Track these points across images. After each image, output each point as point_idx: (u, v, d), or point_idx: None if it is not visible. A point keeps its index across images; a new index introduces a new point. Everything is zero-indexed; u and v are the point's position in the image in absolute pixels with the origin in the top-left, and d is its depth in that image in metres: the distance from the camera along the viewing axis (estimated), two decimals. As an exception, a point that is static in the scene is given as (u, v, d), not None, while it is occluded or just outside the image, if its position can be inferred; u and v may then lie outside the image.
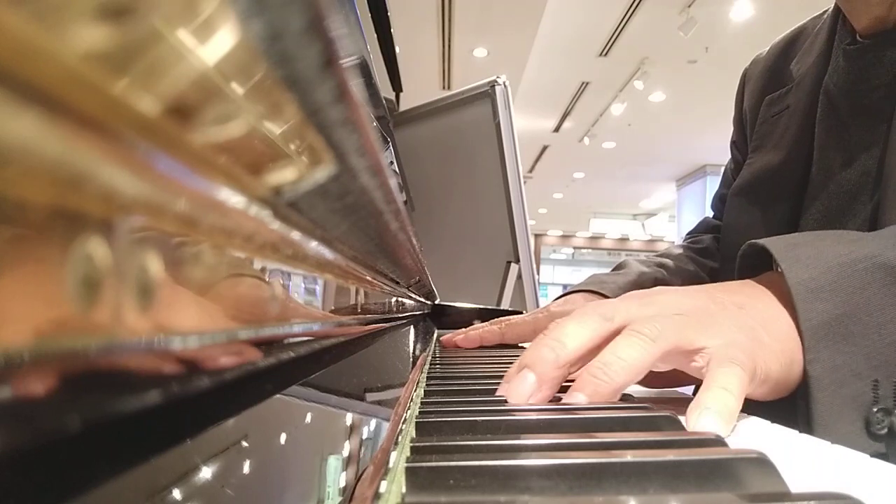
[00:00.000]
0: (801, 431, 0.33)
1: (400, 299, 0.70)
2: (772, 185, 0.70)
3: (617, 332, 0.37)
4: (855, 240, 0.42)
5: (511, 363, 0.41)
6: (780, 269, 0.40)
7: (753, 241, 0.43)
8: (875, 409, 0.36)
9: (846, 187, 0.60)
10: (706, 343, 0.35)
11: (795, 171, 0.67)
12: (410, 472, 0.21)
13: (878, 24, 0.58)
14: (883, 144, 0.56)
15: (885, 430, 0.36)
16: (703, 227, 0.97)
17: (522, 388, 0.36)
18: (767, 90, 0.77)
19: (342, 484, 0.21)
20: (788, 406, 0.40)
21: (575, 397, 0.34)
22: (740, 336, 0.36)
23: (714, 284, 0.41)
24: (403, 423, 0.29)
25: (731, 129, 0.91)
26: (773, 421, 0.33)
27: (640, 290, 0.41)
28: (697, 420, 0.31)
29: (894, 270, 0.38)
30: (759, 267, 0.45)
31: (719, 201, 0.91)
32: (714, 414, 0.31)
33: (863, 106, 0.60)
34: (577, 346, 0.36)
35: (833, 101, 0.63)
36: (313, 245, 0.25)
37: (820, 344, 0.37)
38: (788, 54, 0.75)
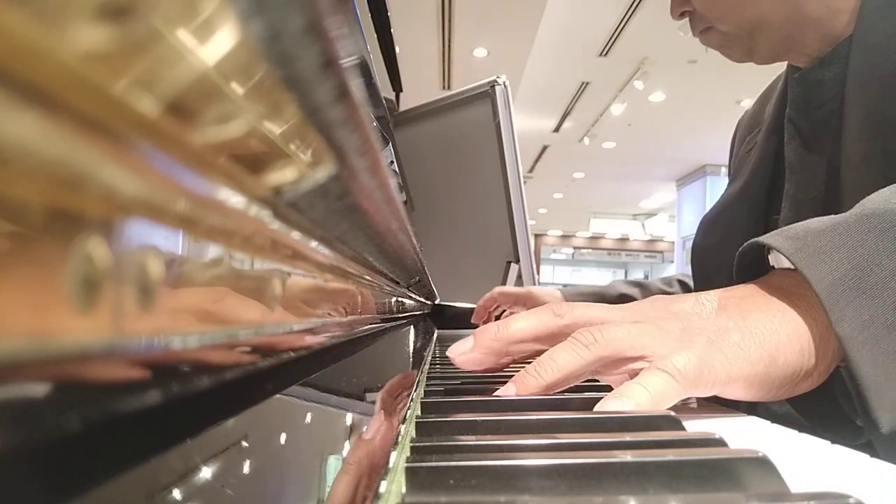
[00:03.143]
0: (857, 418, 0.32)
1: (400, 299, 0.70)
2: (739, 206, 0.79)
3: (565, 329, 0.39)
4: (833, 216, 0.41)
5: (510, 365, 0.42)
6: (770, 257, 0.40)
7: (746, 244, 0.43)
8: None
9: (813, 195, 0.68)
10: (651, 352, 0.36)
11: (759, 190, 0.76)
12: (410, 472, 0.21)
13: (813, 61, 0.70)
14: (837, 155, 0.63)
15: None
16: None
17: (460, 347, 0.41)
18: (746, 135, 0.88)
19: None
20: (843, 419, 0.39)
21: (506, 388, 0.38)
22: (688, 346, 0.36)
23: (709, 292, 0.40)
24: (403, 423, 0.29)
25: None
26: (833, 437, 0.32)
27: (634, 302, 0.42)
28: (604, 403, 0.33)
29: (886, 215, 0.38)
30: (756, 269, 0.45)
31: None
32: (621, 398, 0.33)
33: (817, 122, 0.69)
34: (519, 328, 0.40)
35: (796, 124, 0.73)
36: (313, 245, 0.25)
37: (840, 302, 0.35)
38: (765, 101, 0.85)
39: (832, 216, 0.41)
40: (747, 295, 0.39)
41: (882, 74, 0.60)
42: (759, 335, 0.36)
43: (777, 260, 0.43)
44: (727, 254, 0.51)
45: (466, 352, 0.41)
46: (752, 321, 0.37)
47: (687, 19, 0.76)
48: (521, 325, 0.40)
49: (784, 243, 0.38)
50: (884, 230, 0.37)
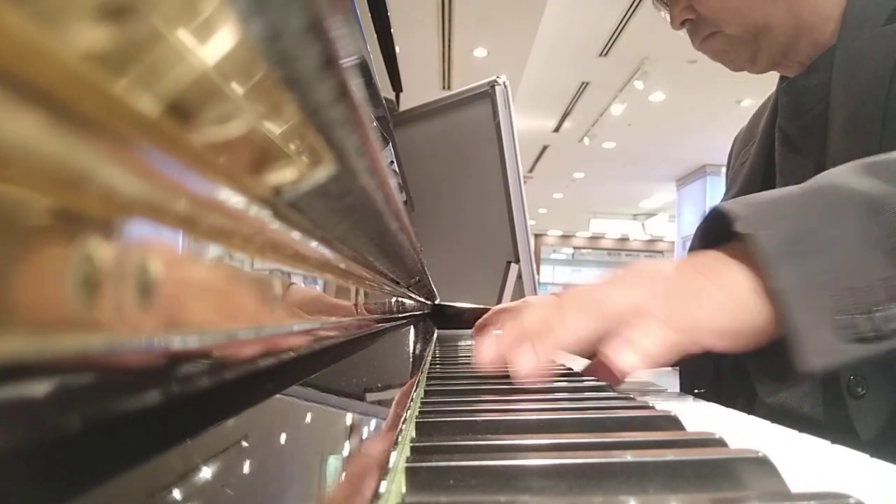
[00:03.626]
0: (790, 365, 0.37)
1: (400, 299, 0.70)
2: None
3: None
4: (792, 187, 0.46)
5: (510, 364, 0.42)
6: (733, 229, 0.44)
7: (711, 208, 0.48)
8: (858, 314, 0.39)
9: None
10: (645, 307, 0.41)
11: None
12: (410, 472, 0.21)
13: (802, 68, 0.74)
14: (824, 159, 0.66)
15: (873, 335, 0.38)
16: None
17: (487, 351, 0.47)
18: (741, 148, 0.91)
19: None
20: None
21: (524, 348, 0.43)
22: (674, 300, 0.42)
23: (684, 258, 0.47)
24: (403, 423, 0.29)
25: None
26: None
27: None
28: (615, 354, 0.40)
29: (833, 188, 0.42)
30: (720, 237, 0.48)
31: None
32: (628, 347, 0.40)
33: (804, 128, 0.73)
34: (531, 320, 0.45)
35: (785, 131, 0.76)
36: (313, 245, 0.25)
37: (780, 262, 0.40)
38: (759, 116, 0.88)
39: (791, 186, 0.45)
40: (716, 259, 0.44)
41: (863, 82, 0.63)
42: (724, 293, 0.42)
43: None
44: None
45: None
46: (721, 282, 0.42)
47: (684, 29, 0.78)
48: (531, 315, 0.45)
49: (737, 211, 0.43)
50: (828, 203, 0.42)
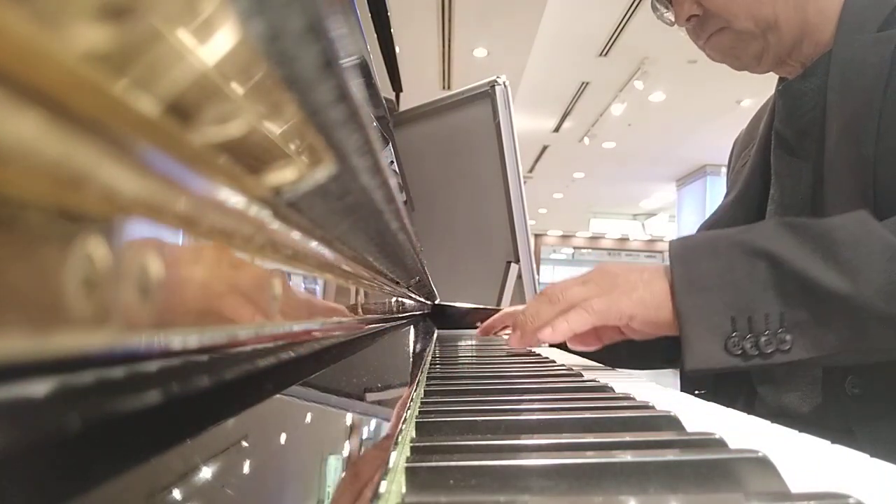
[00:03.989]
0: (680, 365, 0.56)
1: (400, 299, 0.70)
2: (732, 216, 0.87)
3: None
4: (729, 231, 0.60)
5: (510, 365, 0.42)
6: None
7: (672, 241, 0.63)
8: (732, 336, 0.54)
9: (798, 199, 0.75)
10: (589, 297, 0.60)
11: (751, 199, 0.84)
12: (410, 472, 0.21)
13: (799, 65, 0.77)
14: (821, 162, 0.69)
15: (739, 353, 0.54)
16: None
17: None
18: (741, 151, 0.94)
19: (342, 484, 0.21)
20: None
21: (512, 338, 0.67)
22: (607, 292, 0.60)
23: (635, 265, 0.64)
24: (403, 423, 0.29)
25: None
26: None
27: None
28: (540, 333, 0.62)
29: (744, 243, 0.56)
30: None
31: None
32: (562, 324, 0.61)
33: (800, 131, 0.75)
34: (528, 311, 0.65)
35: (781, 134, 0.79)
36: (313, 245, 0.25)
37: (684, 292, 0.57)
38: (758, 120, 0.90)
39: (729, 231, 0.60)
40: (655, 271, 0.61)
41: (858, 88, 0.66)
42: (651, 293, 0.59)
43: None
44: None
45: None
46: (650, 284, 0.60)
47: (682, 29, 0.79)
48: (531, 310, 0.65)
49: (674, 247, 0.60)
50: (735, 254, 0.56)
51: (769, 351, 0.53)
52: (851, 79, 0.67)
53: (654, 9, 0.82)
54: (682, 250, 0.59)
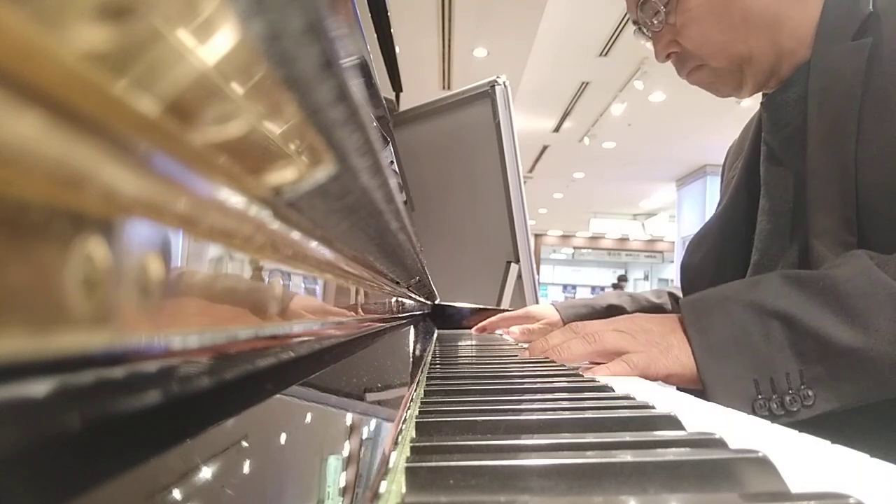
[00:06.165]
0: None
1: (400, 299, 0.70)
2: (722, 225, 0.89)
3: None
4: (737, 289, 0.62)
5: (510, 365, 0.42)
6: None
7: (683, 300, 0.66)
8: (757, 398, 0.56)
9: (785, 207, 0.78)
10: (626, 349, 0.62)
11: (739, 209, 0.86)
12: (410, 472, 0.21)
13: (779, 83, 0.79)
14: (804, 169, 0.71)
15: (767, 414, 0.55)
16: None
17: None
18: (733, 161, 0.95)
19: (342, 484, 0.21)
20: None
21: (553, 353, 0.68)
22: (646, 349, 0.62)
23: (656, 315, 0.67)
24: (403, 423, 0.29)
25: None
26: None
27: (623, 316, 0.69)
28: (587, 373, 0.59)
29: (755, 305, 0.58)
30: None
31: None
32: (604, 370, 0.61)
33: (784, 140, 0.77)
34: (554, 341, 0.69)
35: (769, 145, 0.81)
36: (313, 245, 0.25)
37: (705, 359, 0.59)
38: (748, 130, 0.92)
39: (735, 286, 0.63)
40: (680, 328, 0.64)
41: (836, 97, 0.68)
42: (688, 355, 0.60)
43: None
44: (713, 269, 0.87)
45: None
46: (684, 344, 0.61)
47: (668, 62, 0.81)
48: (573, 350, 0.66)
49: (686, 314, 0.62)
50: (752, 316, 0.58)
51: (794, 409, 0.54)
52: (830, 87, 0.69)
53: (640, 39, 0.84)
54: (694, 315, 0.61)
